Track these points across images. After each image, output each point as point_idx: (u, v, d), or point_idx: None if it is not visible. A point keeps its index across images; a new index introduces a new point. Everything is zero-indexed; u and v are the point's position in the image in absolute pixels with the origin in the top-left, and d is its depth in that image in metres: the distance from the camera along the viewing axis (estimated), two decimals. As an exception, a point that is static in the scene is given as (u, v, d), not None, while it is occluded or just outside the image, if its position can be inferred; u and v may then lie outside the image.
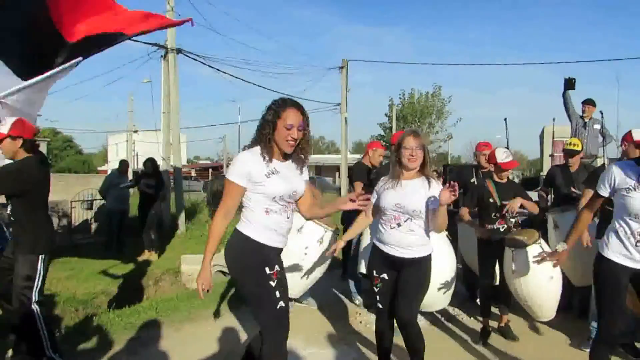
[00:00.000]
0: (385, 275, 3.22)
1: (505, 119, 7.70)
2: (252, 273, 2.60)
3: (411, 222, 3.09)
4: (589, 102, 7.07)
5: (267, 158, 2.57)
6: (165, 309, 5.09)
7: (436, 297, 4.17)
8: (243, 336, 4.33)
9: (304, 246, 4.36)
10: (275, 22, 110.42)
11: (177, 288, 7.26)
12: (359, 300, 5.33)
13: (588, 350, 3.95)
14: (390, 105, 26.12)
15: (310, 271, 4.40)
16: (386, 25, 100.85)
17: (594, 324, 4.01)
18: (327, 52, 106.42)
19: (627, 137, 3.74)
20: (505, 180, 4.36)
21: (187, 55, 11.75)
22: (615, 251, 2.82)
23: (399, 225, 3.10)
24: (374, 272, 3.27)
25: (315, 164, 39.56)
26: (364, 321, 4.79)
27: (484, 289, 4.44)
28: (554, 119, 8.22)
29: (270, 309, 2.58)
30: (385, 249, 3.17)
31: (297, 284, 4.36)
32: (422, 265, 3.14)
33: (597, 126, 7.09)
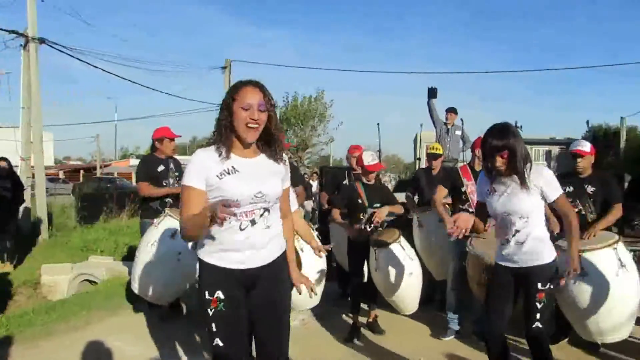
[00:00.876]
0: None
1: (378, 124, 8.10)
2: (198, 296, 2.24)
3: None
4: (451, 110, 7.77)
5: (223, 154, 2.13)
6: (18, 324, 4.60)
7: (306, 296, 4.23)
8: (107, 349, 4.05)
9: (177, 252, 4.17)
10: (157, 17, 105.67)
11: (36, 301, 6.60)
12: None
13: (447, 339, 4.33)
14: (274, 108, 26.33)
15: (185, 278, 4.29)
16: (271, 27, 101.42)
17: (451, 315, 4.37)
18: (210, 50, 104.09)
19: (475, 144, 4.19)
20: (373, 181, 4.55)
21: (51, 46, 10.79)
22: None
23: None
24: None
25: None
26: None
27: (354, 287, 4.61)
28: (421, 125, 8.86)
29: (209, 343, 2.20)
30: None
31: (171, 291, 4.28)
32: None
33: (459, 132, 7.77)
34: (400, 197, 5.59)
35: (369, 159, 4.47)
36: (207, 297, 2.16)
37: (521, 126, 10.13)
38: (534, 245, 2.83)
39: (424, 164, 7.04)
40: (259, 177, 2.18)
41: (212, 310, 2.15)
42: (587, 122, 21.57)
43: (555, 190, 2.81)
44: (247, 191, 2.12)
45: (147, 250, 4.22)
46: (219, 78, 17.48)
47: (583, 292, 3.37)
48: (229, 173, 2.13)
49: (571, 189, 3.93)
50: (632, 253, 5.38)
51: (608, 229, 3.95)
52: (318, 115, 27.35)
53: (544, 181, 2.80)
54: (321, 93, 27.29)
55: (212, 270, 2.18)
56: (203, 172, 2.11)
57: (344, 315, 5.07)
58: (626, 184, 6.17)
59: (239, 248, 2.16)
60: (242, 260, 2.17)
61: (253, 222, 2.16)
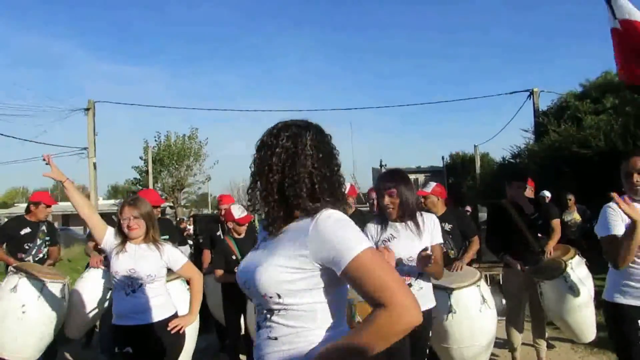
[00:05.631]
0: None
1: (250, 165, 8.11)
2: None
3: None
4: None
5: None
6: None
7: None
8: None
9: (21, 304, 3.93)
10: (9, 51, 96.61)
11: None
12: None
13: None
14: (145, 148, 25.21)
15: (34, 330, 3.98)
16: (142, 64, 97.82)
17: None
18: (72, 89, 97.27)
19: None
20: (243, 234, 4.49)
21: None
22: None
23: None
24: None
25: (62, 213, 35.37)
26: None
27: (232, 340, 4.54)
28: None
29: None
30: None
31: (26, 346, 3.98)
32: None
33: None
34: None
35: (238, 212, 4.40)
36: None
37: (385, 164, 10.81)
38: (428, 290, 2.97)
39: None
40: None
41: None
42: (443, 157, 23.77)
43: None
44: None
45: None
46: (81, 120, 16.50)
47: (452, 326, 3.61)
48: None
49: None
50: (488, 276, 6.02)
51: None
52: (193, 154, 26.73)
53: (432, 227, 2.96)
54: (195, 131, 26.80)
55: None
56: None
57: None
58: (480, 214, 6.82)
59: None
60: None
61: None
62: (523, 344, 4.63)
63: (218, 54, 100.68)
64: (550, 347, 5.03)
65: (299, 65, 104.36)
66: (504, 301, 4.71)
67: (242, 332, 4.51)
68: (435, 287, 3.52)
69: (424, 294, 2.90)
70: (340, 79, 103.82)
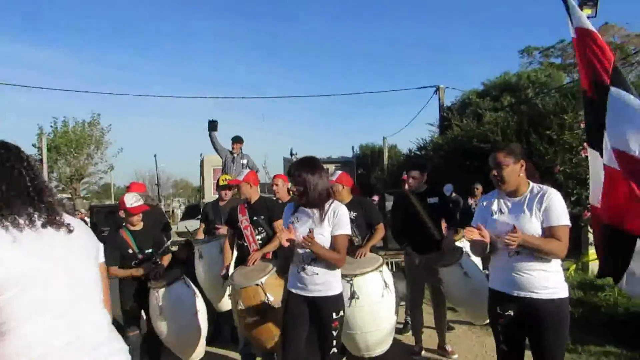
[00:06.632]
0: None
1: (155, 155, 7.76)
2: None
3: None
4: (237, 140, 7.86)
5: None
6: None
7: None
8: None
9: None
10: None
11: None
12: None
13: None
14: (40, 135, 23.22)
15: None
16: (40, 44, 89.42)
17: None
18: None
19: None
20: (141, 225, 4.23)
21: None
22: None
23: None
24: None
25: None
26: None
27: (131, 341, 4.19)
28: (201, 154, 8.71)
29: None
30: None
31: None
32: None
33: (244, 161, 7.86)
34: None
35: (131, 200, 4.12)
36: None
37: (296, 153, 10.77)
38: (326, 276, 2.93)
39: (212, 191, 6.91)
40: None
41: None
42: (352, 147, 24.27)
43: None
44: None
45: None
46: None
47: (355, 313, 3.61)
48: None
49: None
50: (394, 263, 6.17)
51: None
52: (94, 142, 25.04)
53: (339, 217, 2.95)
54: (97, 117, 25.07)
55: None
56: None
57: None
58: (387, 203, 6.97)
59: None
60: None
61: None
62: (425, 327, 4.79)
63: (128, 38, 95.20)
64: (450, 329, 5.25)
65: (212, 53, 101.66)
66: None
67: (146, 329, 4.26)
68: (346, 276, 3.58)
69: (318, 280, 2.92)
70: (254, 69, 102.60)
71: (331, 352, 2.94)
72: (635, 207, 3.18)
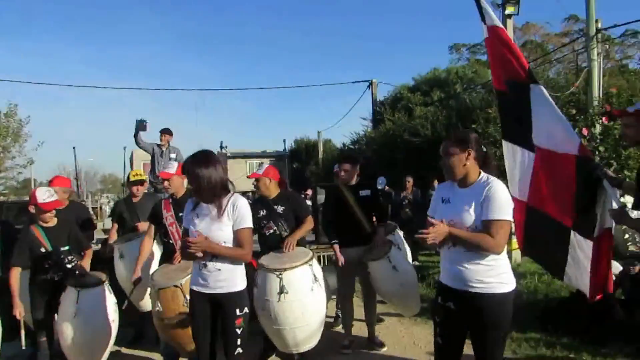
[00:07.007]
0: None
1: (74, 148, 7.37)
2: None
3: None
4: (165, 132, 7.52)
5: None
6: None
7: None
8: None
9: None
10: None
11: None
12: None
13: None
14: (-53, 126, 21.40)
15: None
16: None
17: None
18: None
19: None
20: (55, 222, 3.94)
21: None
22: None
23: None
24: None
25: None
26: None
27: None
28: (124, 147, 8.38)
29: None
30: None
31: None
32: None
33: (174, 155, 7.54)
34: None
35: (44, 195, 3.82)
36: None
37: (227, 146, 10.56)
38: (229, 272, 2.85)
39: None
40: None
41: None
42: (284, 140, 24.25)
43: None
44: None
45: None
46: None
47: (284, 308, 3.54)
48: None
49: (264, 212, 4.14)
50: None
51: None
52: (11, 134, 23.36)
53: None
54: (13, 107, 23.36)
55: None
56: None
57: None
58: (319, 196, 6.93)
59: None
60: None
61: None
62: (355, 319, 4.81)
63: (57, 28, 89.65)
64: (380, 321, 5.30)
65: (147, 45, 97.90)
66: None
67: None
68: (266, 269, 3.61)
69: (221, 277, 2.84)
70: (190, 61, 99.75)
71: (236, 353, 2.82)
72: (561, 197, 3.27)
